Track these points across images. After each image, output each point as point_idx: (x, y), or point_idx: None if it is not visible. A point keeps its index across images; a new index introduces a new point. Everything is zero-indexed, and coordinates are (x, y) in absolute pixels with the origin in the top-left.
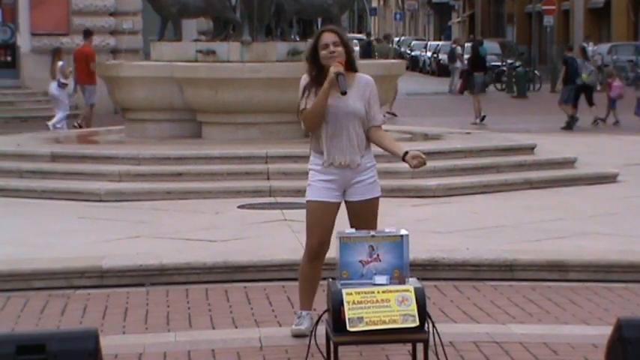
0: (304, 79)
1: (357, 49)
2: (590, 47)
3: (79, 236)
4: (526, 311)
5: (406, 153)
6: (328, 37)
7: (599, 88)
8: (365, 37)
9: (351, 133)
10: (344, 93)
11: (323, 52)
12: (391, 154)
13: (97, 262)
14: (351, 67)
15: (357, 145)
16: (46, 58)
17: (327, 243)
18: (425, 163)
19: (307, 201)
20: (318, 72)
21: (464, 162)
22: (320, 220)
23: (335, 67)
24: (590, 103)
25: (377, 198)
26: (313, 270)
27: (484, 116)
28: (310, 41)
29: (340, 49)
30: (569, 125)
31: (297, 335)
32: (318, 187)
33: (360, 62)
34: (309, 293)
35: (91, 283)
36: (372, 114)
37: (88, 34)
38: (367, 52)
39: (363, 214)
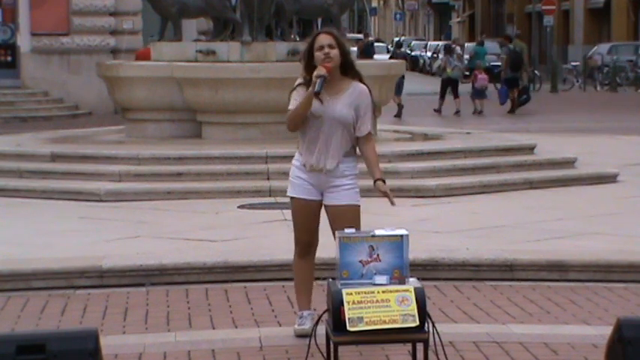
0: (297, 81)
1: (354, 49)
2: None
3: (79, 236)
4: (526, 311)
5: (376, 180)
6: (324, 39)
7: (463, 81)
8: (363, 38)
9: (332, 138)
10: (317, 93)
11: (317, 54)
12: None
13: (97, 262)
14: (347, 70)
15: (335, 151)
16: (46, 58)
17: (313, 239)
18: (391, 202)
19: (289, 197)
20: (311, 74)
21: (464, 162)
22: (303, 217)
23: (318, 70)
24: (456, 95)
25: (355, 206)
26: (305, 267)
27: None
28: (305, 44)
29: (335, 51)
30: (399, 114)
31: (301, 335)
32: (297, 184)
33: (359, 62)
34: (306, 292)
35: (91, 283)
36: (360, 125)
37: (151, 36)
38: (368, 52)
39: (340, 221)
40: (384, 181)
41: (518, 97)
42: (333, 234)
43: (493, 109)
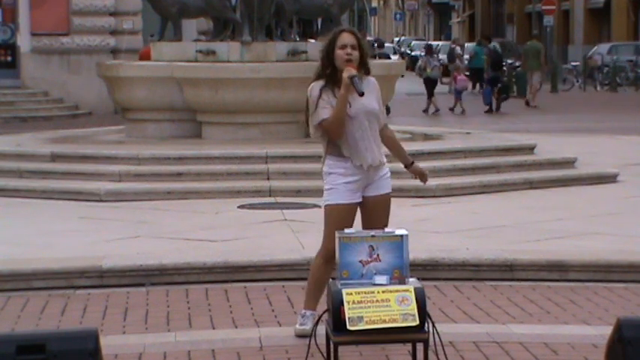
0: (314, 87)
1: None
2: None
3: (79, 236)
4: (526, 311)
5: (411, 163)
6: (348, 38)
7: (445, 80)
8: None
9: (374, 133)
10: (361, 94)
11: (339, 52)
12: (398, 160)
13: (97, 262)
14: (364, 69)
15: (379, 143)
16: (46, 58)
17: None
18: (425, 180)
19: (329, 205)
20: (332, 70)
21: (464, 162)
22: (342, 222)
23: (347, 72)
24: (431, 94)
25: (389, 194)
26: (326, 272)
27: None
28: (326, 40)
29: (356, 53)
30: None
31: (302, 335)
32: (342, 190)
33: None
34: (317, 294)
35: (91, 283)
36: (381, 114)
37: (151, 36)
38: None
39: (377, 209)
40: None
41: (498, 95)
42: (365, 226)
43: (477, 109)
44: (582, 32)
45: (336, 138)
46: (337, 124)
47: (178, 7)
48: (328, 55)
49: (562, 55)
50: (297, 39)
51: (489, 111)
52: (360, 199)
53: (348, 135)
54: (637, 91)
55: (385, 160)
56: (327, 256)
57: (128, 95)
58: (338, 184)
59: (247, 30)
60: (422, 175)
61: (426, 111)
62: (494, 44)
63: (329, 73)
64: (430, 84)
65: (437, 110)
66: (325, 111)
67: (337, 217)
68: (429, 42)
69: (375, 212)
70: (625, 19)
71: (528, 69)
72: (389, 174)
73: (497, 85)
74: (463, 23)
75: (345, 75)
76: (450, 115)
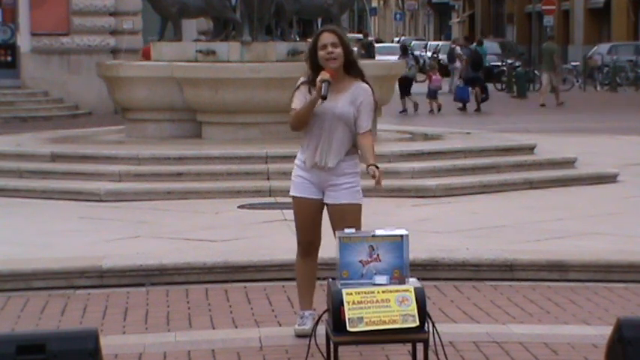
0: (299, 80)
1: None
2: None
3: (79, 236)
4: (526, 311)
5: (369, 165)
6: (327, 38)
7: (420, 79)
8: (362, 37)
9: (333, 135)
10: (324, 97)
11: (321, 53)
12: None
13: (97, 262)
14: (349, 69)
15: (337, 148)
16: (46, 58)
17: (315, 239)
18: (378, 182)
19: (291, 197)
20: (317, 71)
21: (464, 162)
22: (304, 216)
23: (322, 75)
24: (408, 93)
25: (351, 205)
26: (306, 267)
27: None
28: (310, 41)
29: (339, 50)
30: None
31: (301, 335)
32: (297, 182)
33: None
34: (308, 291)
35: (91, 283)
36: (360, 122)
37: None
38: (368, 52)
39: (337, 219)
40: (376, 167)
41: (479, 95)
42: (334, 233)
43: (453, 108)
44: (582, 32)
45: (293, 129)
46: (297, 120)
47: (178, 7)
48: (312, 58)
49: (562, 55)
50: (297, 39)
51: (464, 109)
52: (320, 197)
53: (308, 130)
54: (637, 91)
55: (348, 170)
56: (302, 250)
57: (128, 95)
58: (295, 176)
59: (247, 30)
60: (374, 178)
61: (404, 111)
62: (476, 47)
63: (313, 75)
64: (407, 83)
65: (404, 110)
66: (296, 101)
67: (297, 211)
68: (404, 42)
69: (336, 222)
70: (625, 19)
71: (542, 69)
72: (352, 185)
73: (476, 85)
74: (463, 23)
75: (318, 78)
76: (426, 115)
